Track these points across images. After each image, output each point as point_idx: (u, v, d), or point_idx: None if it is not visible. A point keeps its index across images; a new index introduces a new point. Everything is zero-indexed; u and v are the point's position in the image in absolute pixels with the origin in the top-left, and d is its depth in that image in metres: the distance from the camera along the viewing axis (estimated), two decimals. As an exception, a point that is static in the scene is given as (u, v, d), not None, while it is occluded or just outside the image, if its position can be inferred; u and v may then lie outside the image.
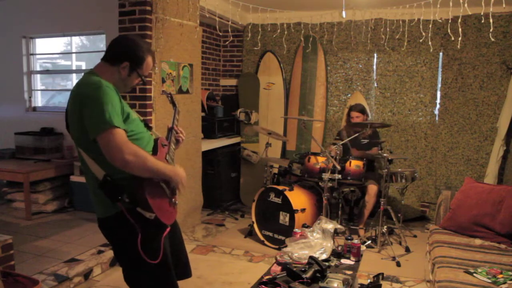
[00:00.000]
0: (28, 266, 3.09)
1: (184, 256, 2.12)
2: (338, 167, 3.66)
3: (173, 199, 1.88)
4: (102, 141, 1.64)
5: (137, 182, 1.70)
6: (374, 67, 4.96)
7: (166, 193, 1.82)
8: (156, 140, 1.90)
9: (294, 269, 2.19)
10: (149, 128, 1.97)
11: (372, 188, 3.98)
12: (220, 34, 5.23)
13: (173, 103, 2.19)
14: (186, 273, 2.13)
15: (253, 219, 3.98)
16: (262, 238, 3.92)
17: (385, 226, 3.82)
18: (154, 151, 1.85)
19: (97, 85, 1.69)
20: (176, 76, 3.99)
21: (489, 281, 2.26)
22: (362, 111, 4.27)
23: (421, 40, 4.47)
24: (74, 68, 5.38)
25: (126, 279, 1.86)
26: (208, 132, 4.86)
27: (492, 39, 4.10)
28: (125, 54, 1.83)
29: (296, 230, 2.68)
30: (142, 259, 1.71)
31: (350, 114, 4.29)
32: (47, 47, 5.44)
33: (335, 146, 3.76)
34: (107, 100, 1.65)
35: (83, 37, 5.45)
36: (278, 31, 4.80)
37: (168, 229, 1.83)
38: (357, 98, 4.93)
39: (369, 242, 3.81)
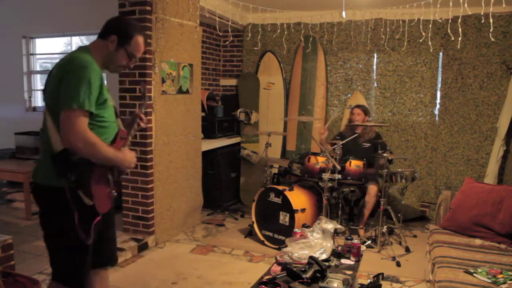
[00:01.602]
0: (28, 266, 3.09)
1: (112, 244, 2.17)
2: (338, 167, 3.66)
3: (114, 191, 1.95)
4: (63, 117, 1.70)
5: (88, 168, 1.76)
6: (374, 67, 4.96)
7: (109, 184, 1.90)
8: (117, 133, 1.95)
9: (294, 269, 2.19)
10: (117, 115, 2.01)
11: (373, 189, 3.98)
12: (220, 34, 5.23)
13: (143, 94, 2.29)
14: (111, 260, 2.17)
15: (253, 219, 3.98)
16: (262, 238, 3.92)
17: (385, 226, 3.82)
18: (113, 142, 1.91)
19: (85, 64, 1.74)
20: (176, 76, 3.99)
21: (489, 281, 2.26)
22: (365, 111, 4.30)
23: (421, 40, 4.47)
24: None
25: (46, 242, 1.90)
26: (208, 132, 4.87)
27: (492, 39, 4.10)
28: (114, 28, 1.89)
29: (296, 230, 2.68)
30: (69, 237, 1.77)
31: (353, 111, 4.31)
32: (47, 47, 5.44)
33: (335, 146, 3.76)
34: (87, 81, 1.70)
35: (83, 37, 5.46)
36: (278, 31, 4.80)
37: (98, 218, 1.87)
38: (357, 98, 4.93)
39: (369, 242, 3.81)
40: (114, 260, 2.19)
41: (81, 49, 1.88)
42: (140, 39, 1.93)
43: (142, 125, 2.13)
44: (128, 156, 1.92)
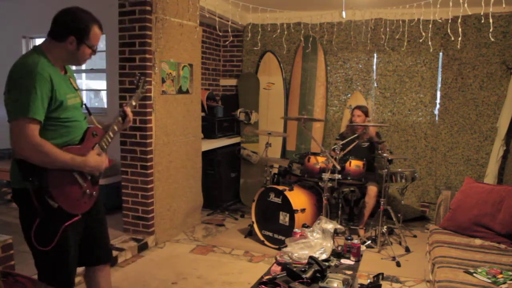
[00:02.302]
0: (28, 266, 3.08)
1: (104, 241, 2.16)
2: (338, 167, 3.66)
3: (89, 190, 1.91)
4: (12, 127, 1.71)
5: (46, 171, 1.75)
6: (374, 67, 4.96)
7: (79, 184, 1.86)
8: (86, 130, 1.92)
9: (294, 269, 2.19)
10: (89, 113, 2.00)
11: (372, 189, 3.98)
12: (220, 34, 5.23)
13: (137, 86, 2.20)
14: (105, 258, 2.17)
15: (253, 219, 3.98)
16: (262, 238, 3.92)
17: (385, 226, 3.81)
18: (81, 141, 1.89)
19: (30, 69, 1.71)
20: (176, 76, 3.99)
21: (489, 281, 2.26)
22: (366, 112, 4.29)
23: (421, 40, 4.47)
24: (73, 68, 5.37)
25: (28, 246, 1.89)
26: (208, 132, 4.86)
27: (492, 39, 4.10)
28: (69, 29, 1.81)
29: (296, 230, 2.68)
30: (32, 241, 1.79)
31: (353, 112, 4.32)
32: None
33: (336, 146, 3.76)
34: (33, 88, 1.69)
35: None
36: (278, 31, 4.80)
37: (75, 218, 1.86)
38: (357, 98, 4.93)
39: (369, 242, 3.81)
40: (108, 257, 2.19)
41: (33, 51, 1.83)
42: (96, 29, 1.86)
43: (129, 118, 2.07)
44: (92, 161, 1.85)
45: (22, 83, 1.70)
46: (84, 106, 2.00)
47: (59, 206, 1.77)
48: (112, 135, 2.01)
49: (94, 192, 1.97)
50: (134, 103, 2.15)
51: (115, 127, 2.03)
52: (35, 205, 1.75)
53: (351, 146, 3.95)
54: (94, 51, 1.91)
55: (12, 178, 1.85)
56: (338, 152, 3.72)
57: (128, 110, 2.07)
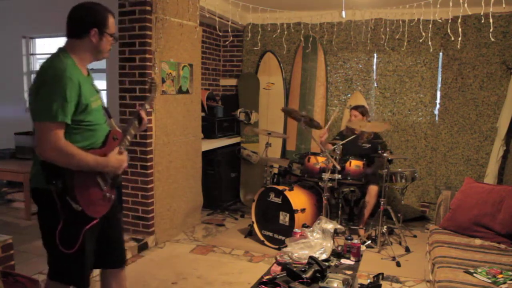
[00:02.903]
0: (28, 266, 3.09)
1: (118, 245, 2.16)
2: (338, 167, 3.66)
3: (108, 194, 1.93)
4: (37, 128, 1.73)
5: (70, 174, 1.75)
6: (374, 67, 4.96)
7: (100, 187, 1.88)
8: (107, 134, 1.94)
9: (294, 269, 2.19)
10: (109, 116, 2.01)
11: (373, 189, 3.98)
12: (220, 34, 5.23)
13: (149, 89, 2.24)
14: (119, 262, 2.17)
15: (253, 219, 3.98)
16: (262, 238, 3.92)
17: (385, 226, 3.82)
18: (103, 144, 1.91)
19: (60, 73, 1.72)
20: (176, 76, 3.99)
21: (489, 281, 2.26)
22: (362, 112, 4.27)
23: (421, 40, 4.47)
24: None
25: (44, 245, 1.91)
26: (208, 132, 4.86)
27: (492, 39, 4.10)
28: (88, 22, 1.85)
29: (296, 230, 2.68)
30: (55, 243, 1.78)
31: (351, 113, 4.31)
32: (47, 47, 5.43)
33: (335, 146, 3.76)
34: (62, 92, 1.70)
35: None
36: (278, 31, 4.80)
37: (94, 222, 1.87)
38: (357, 98, 4.93)
39: (369, 242, 3.81)
40: (121, 261, 2.18)
41: (59, 53, 1.84)
42: (111, 17, 1.92)
43: (144, 122, 2.10)
44: (113, 160, 1.88)
45: (51, 87, 1.71)
46: (104, 109, 2.00)
47: (82, 209, 1.78)
48: (130, 139, 2.03)
49: (113, 196, 1.98)
50: (147, 107, 2.18)
51: (132, 131, 2.06)
52: (58, 207, 1.75)
53: (345, 141, 3.93)
54: (116, 39, 1.95)
55: (34, 177, 1.85)
56: (338, 152, 3.72)
57: (143, 113, 2.10)
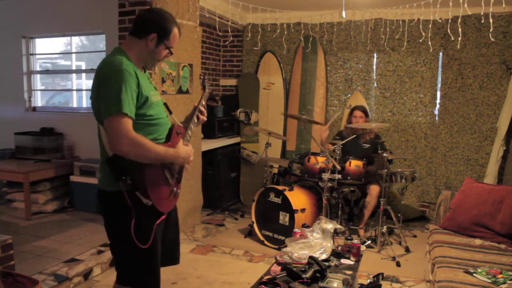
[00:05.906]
0: (28, 266, 3.09)
1: (172, 243, 2.15)
2: (338, 167, 3.66)
3: (175, 189, 1.93)
4: (107, 125, 1.71)
5: (140, 168, 1.75)
6: (374, 67, 4.96)
7: (168, 182, 1.88)
8: (171, 128, 1.95)
9: (294, 269, 2.19)
10: (169, 112, 2.01)
11: (374, 189, 3.98)
12: (220, 34, 5.23)
13: (203, 86, 2.30)
14: (174, 259, 2.17)
15: (253, 219, 3.98)
16: (262, 238, 3.92)
17: (385, 226, 3.82)
18: (168, 138, 1.91)
19: (117, 67, 1.72)
20: (176, 76, 3.99)
21: (489, 281, 2.26)
22: (365, 112, 4.27)
23: (421, 40, 4.47)
24: (74, 68, 5.37)
25: (112, 250, 1.93)
26: (208, 132, 4.87)
27: (492, 39, 4.10)
28: (153, 26, 1.85)
29: (296, 230, 2.68)
30: (131, 240, 1.76)
31: (353, 113, 4.27)
32: (47, 47, 5.43)
33: (335, 146, 3.76)
34: (123, 84, 1.69)
35: (83, 37, 5.44)
36: (278, 31, 4.80)
37: (163, 217, 1.88)
38: (357, 98, 4.93)
39: (369, 242, 3.81)
40: (175, 259, 2.18)
41: (114, 51, 1.87)
42: (176, 30, 1.90)
43: (203, 118, 2.14)
44: (182, 151, 1.90)
45: (111, 81, 1.70)
46: (164, 105, 2.00)
47: (152, 204, 1.78)
48: (190, 134, 2.06)
49: (179, 190, 1.98)
50: (204, 102, 2.21)
51: (192, 126, 2.09)
52: (129, 204, 1.74)
53: (345, 141, 3.93)
54: (171, 52, 1.94)
55: (102, 181, 1.85)
56: (338, 152, 3.72)
57: (202, 108, 2.15)
